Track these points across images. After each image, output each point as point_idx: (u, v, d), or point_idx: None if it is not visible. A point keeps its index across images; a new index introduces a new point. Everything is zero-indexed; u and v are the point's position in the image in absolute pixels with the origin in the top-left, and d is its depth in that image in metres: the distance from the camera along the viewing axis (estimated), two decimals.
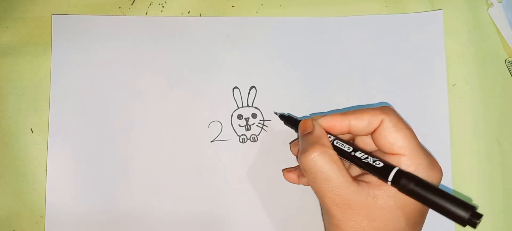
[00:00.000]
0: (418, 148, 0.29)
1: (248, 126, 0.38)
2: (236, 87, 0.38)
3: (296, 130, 0.34)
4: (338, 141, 0.31)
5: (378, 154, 0.30)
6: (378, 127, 0.30)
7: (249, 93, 0.38)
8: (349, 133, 0.32)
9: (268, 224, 0.37)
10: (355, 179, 0.30)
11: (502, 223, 0.39)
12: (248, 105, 0.38)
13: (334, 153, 0.30)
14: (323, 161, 0.29)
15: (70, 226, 0.36)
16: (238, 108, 0.38)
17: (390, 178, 0.28)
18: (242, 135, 0.38)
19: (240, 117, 0.38)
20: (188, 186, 0.37)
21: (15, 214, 0.37)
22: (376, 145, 0.30)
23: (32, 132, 0.37)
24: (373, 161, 0.29)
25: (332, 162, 0.29)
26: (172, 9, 0.39)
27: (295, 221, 0.38)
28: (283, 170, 0.37)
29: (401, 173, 0.27)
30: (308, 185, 0.34)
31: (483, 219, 0.38)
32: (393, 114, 0.30)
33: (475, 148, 0.39)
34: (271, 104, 0.38)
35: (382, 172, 0.28)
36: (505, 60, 0.40)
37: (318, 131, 0.31)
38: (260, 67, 0.39)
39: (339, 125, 0.31)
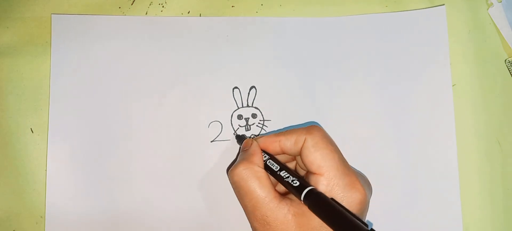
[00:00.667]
0: (336, 168, 0.29)
1: (248, 126, 0.38)
2: (236, 87, 0.38)
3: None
4: (271, 160, 0.32)
5: (307, 173, 0.31)
6: (302, 146, 0.31)
7: (249, 93, 0.38)
8: (282, 152, 0.33)
9: None
10: (282, 196, 0.30)
11: (502, 223, 0.39)
12: (248, 105, 0.38)
13: (260, 169, 0.31)
14: (246, 176, 0.30)
15: (70, 226, 0.36)
16: (238, 108, 0.38)
17: (302, 197, 0.29)
18: (242, 135, 0.38)
19: (240, 117, 0.38)
20: (188, 186, 0.37)
21: (15, 214, 0.37)
22: (303, 162, 0.31)
23: (32, 132, 0.37)
24: (292, 180, 0.30)
25: (255, 178, 0.30)
26: (172, 9, 0.39)
27: None
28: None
29: (311, 192, 0.28)
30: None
31: (483, 219, 0.38)
32: (316, 133, 0.31)
33: (475, 148, 0.39)
34: (271, 104, 0.38)
35: (299, 191, 0.29)
36: (505, 60, 0.40)
37: (252, 149, 0.33)
38: (260, 67, 0.39)
39: (272, 144, 0.32)
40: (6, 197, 0.37)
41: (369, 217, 0.37)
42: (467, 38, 0.40)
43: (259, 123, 0.38)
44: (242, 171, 0.31)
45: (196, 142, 0.38)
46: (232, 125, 0.38)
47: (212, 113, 0.38)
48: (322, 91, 0.39)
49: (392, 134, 0.38)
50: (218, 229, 0.37)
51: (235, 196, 0.37)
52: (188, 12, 0.39)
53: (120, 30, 0.38)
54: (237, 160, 0.33)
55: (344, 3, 0.40)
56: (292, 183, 0.30)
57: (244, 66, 0.38)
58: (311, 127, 0.31)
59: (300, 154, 0.31)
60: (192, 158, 0.37)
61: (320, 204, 0.28)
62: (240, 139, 0.37)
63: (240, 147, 0.36)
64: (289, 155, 0.33)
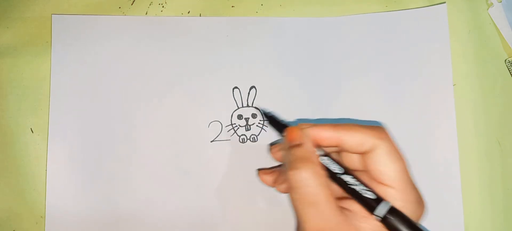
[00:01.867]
0: (408, 182, 0.27)
1: (248, 126, 0.38)
2: (236, 87, 0.38)
3: (280, 133, 0.33)
4: (329, 160, 0.29)
5: (362, 176, 0.28)
6: (370, 151, 0.28)
7: (249, 93, 0.38)
8: (337, 147, 0.29)
9: (268, 223, 0.37)
10: (339, 206, 0.27)
11: (502, 223, 0.39)
12: (248, 105, 0.38)
13: (324, 174, 0.27)
14: (313, 183, 0.27)
15: (70, 226, 0.36)
16: (238, 108, 0.38)
17: (380, 213, 0.26)
18: (242, 135, 0.38)
19: (240, 117, 0.38)
20: (188, 186, 0.37)
21: (15, 214, 0.37)
22: (366, 168, 0.28)
23: (32, 132, 0.37)
24: (364, 190, 0.27)
25: (322, 186, 0.27)
26: (172, 9, 0.39)
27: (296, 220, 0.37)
28: (258, 170, 0.37)
29: (391, 210, 0.26)
30: (284, 193, 0.33)
31: (483, 219, 0.38)
32: (388, 140, 0.28)
33: (475, 148, 0.39)
34: (271, 104, 0.38)
35: (371, 204, 0.26)
36: (505, 60, 0.40)
37: (308, 145, 0.29)
38: (260, 67, 0.39)
39: (329, 138, 0.29)
40: (6, 197, 0.37)
41: None
42: (467, 38, 0.40)
43: (259, 123, 0.38)
44: (308, 176, 0.27)
45: (196, 142, 0.38)
46: (232, 125, 0.38)
47: (212, 114, 0.38)
48: (322, 91, 0.39)
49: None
50: (218, 229, 0.37)
51: (234, 196, 0.37)
52: (188, 12, 0.39)
53: (120, 30, 0.38)
54: (293, 158, 0.28)
55: (344, 3, 0.40)
56: (362, 193, 0.27)
57: (244, 66, 0.38)
58: (382, 131, 0.28)
59: (364, 158, 0.28)
60: (192, 158, 0.37)
61: (404, 226, 0.25)
62: (272, 120, 0.34)
63: (279, 132, 0.33)
64: (344, 151, 0.30)
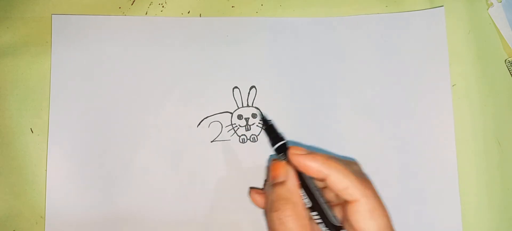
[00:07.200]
0: None
1: (248, 126, 0.38)
2: (236, 87, 0.38)
3: (272, 145, 0.32)
4: (305, 193, 0.29)
5: (345, 221, 0.29)
6: (353, 202, 0.27)
7: (249, 93, 0.38)
8: (322, 181, 0.29)
9: None
10: None
11: (502, 223, 0.39)
12: (248, 105, 0.38)
13: (305, 215, 0.28)
14: (292, 224, 0.27)
15: (70, 226, 0.36)
16: (238, 108, 0.38)
17: None
18: (242, 135, 0.38)
19: (240, 117, 0.38)
20: (188, 186, 0.37)
21: (15, 214, 0.37)
22: (346, 218, 0.28)
23: (32, 132, 0.37)
24: (326, 229, 0.28)
25: (301, 227, 0.27)
26: (172, 9, 0.39)
27: None
28: (250, 189, 0.36)
29: None
30: None
31: (482, 219, 0.38)
32: (373, 197, 0.28)
33: (475, 148, 0.39)
34: (271, 104, 0.38)
35: None
36: (505, 60, 0.40)
37: (291, 184, 0.29)
38: (260, 67, 0.39)
39: (316, 172, 0.28)
40: (6, 197, 0.37)
41: None
42: (467, 38, 0.40)
43: (259, 123, 0.38)
44: (288, 218, 0.27)
45: (196, 142, 0.38)
46: (232, 125, 0.38)
47: (212, 114, 0.38)
48: (322, 91, 0.39)
49: (391, 134, 0.38)
50: (218, 229, 0.37)
51: (235, 196, 0.37)
52: (188, 12, 0.39)
53: (120, 30, 0.38)
54: (275, 197, 0.28)
55: (344, 3, 0.40)
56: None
57: (244, 66, 0.38)
58: (368, 184, 0.28)
59: (346, 206, 0.28)
60: (192, 158, 0.37)
61: None
62: (270, 132, 0.33)
63: (272, 146, 0.32)
64: (329, 190, 0.29)
